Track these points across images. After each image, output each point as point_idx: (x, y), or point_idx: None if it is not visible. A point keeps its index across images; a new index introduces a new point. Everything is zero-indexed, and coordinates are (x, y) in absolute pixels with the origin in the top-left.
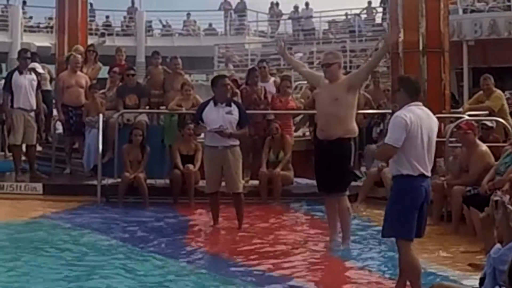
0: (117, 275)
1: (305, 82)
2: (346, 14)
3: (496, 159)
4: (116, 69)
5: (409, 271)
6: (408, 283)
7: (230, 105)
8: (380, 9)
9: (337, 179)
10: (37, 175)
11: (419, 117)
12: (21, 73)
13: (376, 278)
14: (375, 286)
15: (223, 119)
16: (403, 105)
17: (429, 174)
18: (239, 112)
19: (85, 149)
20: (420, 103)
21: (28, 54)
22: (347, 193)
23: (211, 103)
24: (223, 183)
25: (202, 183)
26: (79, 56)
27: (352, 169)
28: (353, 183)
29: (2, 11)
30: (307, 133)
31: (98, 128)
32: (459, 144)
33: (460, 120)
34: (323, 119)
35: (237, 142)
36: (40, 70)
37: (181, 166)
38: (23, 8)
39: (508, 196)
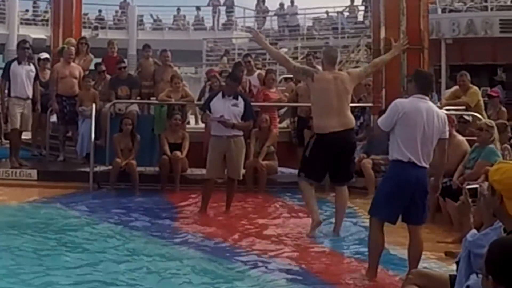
0: (112, 257)
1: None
2: (328, 12)
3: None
4: (103, 67)
5: (370, 247)
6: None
7: (237, 98)
8: (362, 7)
9: (350, 167)
10: (20, 161)
11: (418, 109)
12: (19, 63)
13: (350, 259)
14: (348, 266)
15: (228, 111)
16: (410, 95)
17: (422, 164)
18: (244, 106)
19: (78, 137)
20: (426, 97)
21: (27, 45)
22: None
23: (220, 94)
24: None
25: (189, 171)
26: (73, 48)
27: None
28: None
29: None
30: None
31: (90, 118)
32: None
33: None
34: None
35: (241, 133)
36: (47, 55)
37: (169, 153)
38: None
39: (486, 183)
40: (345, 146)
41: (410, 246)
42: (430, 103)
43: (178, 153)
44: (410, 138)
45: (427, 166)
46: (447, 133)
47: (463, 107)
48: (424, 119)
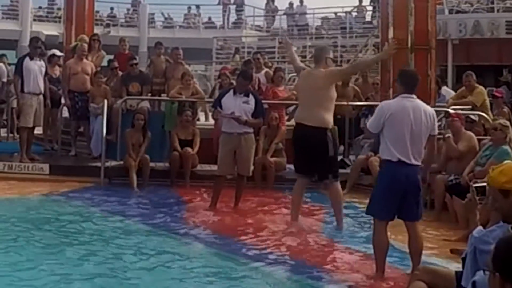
0: (121, 251)
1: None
2: (336, 13)
3: (477, 152)
4: (116, 63)
5: (375, 247)
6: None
7: (248, 96)
8: (370, 8)
9: (327, 165)
10: (32, 156)
11: (404, 107)
12: (31, 59)
13: (360, 257)
14: (361, 263)
15: (239, 108)
16: (397, 95)
17: (412, 162)
18: (255, 103)
19: (93, 135)
20: (413, 96)
21: (39, 44)
22: None
23: (231, 91)
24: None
25: (199, 167)
26: (86, 45)
27: None
28: (341, 171)
29: (12, 1)
30: None
31: (102, 114)
32: (441, 136)
33: (448, 112)
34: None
35: (251, 130)
36: (59, 53)
37: (179, 149)
38: None
39: None
40: (313, 142)
41: (410, 242)
42: (418, 101)
43: (189, 149)
44: (398, 138)
45: (418, 163)
46: (437, 129)
47: (469, 107)
48: (411, 117)
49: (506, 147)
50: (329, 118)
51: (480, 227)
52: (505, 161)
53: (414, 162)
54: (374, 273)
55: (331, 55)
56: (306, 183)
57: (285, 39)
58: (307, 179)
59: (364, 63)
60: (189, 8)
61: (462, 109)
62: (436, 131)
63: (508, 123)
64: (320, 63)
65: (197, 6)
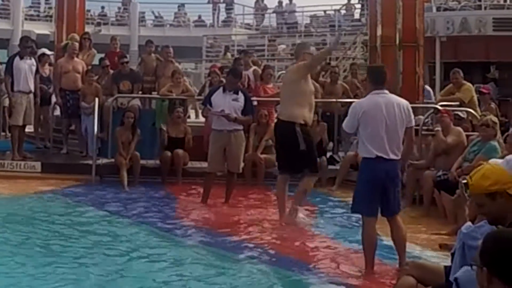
0: (113, 248)
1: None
2: (325, 11)
3: (465, 147)
4: (107, 62)
5: (364, 244)
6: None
7: (237, 93)
8: (359, 6)
9: (298, 159)
10: (24, 154)
11: (376, 104)
12: (21, 58)
13: (345, 249)
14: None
15: (228, 105)
16: (368, 93)
17: (390, 157)
18: (244, 101)
19: (88, 134)
20: (384, 91)
21: (29, 43)
22: None
23: (221, 89)
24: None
25: (190, 164)
26: (77, 44)
27: None
28: (331, 167)
29: (3, 0)
30: None
31: (93, 113)
32: (432, 133)
33: (434, 108)
34: (310, 109)
35: (241, 127)
36: (49, 52)
37: (167, 147)
38: None
39: None
40: (284, 136)
41: (393, 235)
42: (390, 95)
43: (180, 151)
44: (374, 134)
45: (397, 157)
46: (413, 121)
47: (457, 103)
48: (384, 113)
49: (495, 143)
50: (299, 112)
51: (469, 223)
52: (492, 159)
53: (392, 156)
54: (364, 268)
55: (311, 51)
56: (286, 178)
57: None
58: (287, 175)
59: (321, 54)
60: (179, 6)
61: (450, 106)
62: (413, 123)
63: (496, 119)
64: (298, 59)
65: (182, 5)
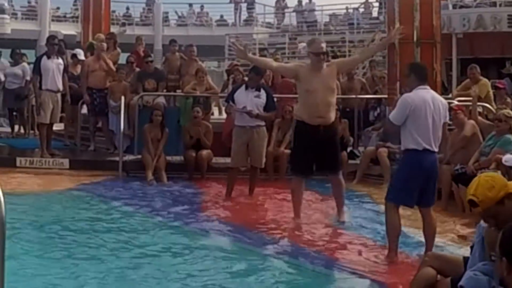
0: (139, 239)
1: None
2: (346, 8)
3: (480, 139)
4: (132, 58)
5: (388, 230)
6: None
7: (259, 90)
8: (377, 4)
9: (336, 158)
10: (52, 151)
11: (424, 99)
12: (49, 57)
13: (368, 242)
14: (370, 250)
15: (251, 102)
16: (412, 88)
17: (434, 149)
18: (266, 97)
19: (117, 133)
20: (428, 87)
21: (56, 41)
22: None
23: (243, 86)
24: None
25: (214, 160)
26: (104, 44)
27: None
28: (351, 161)
29: (30, 2)
30: None
31: (120, 111)
32: (451, 127)
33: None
34: (322, 107)
35: (263, 123)
36: (81, 57)
37: (190, 148)
38: None
39: (499, 172)
40: (327, 139)
41: (425, 227)
42: (432, 91)
43: (205, 151)
44: (423, 128)
45: (437, 150)
46: (448, 116)
47: None
48: (432, 108)
49: (509, 135)
50: (299, 109)
51: None
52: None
53: (435, 149)
54: (386, 257)
55: (313, 48)
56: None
57: (237, 47)
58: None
59: (368, 51)
60: (202, 6)
61: (466, 101)
62: (448, 118)
63: (511, 113)
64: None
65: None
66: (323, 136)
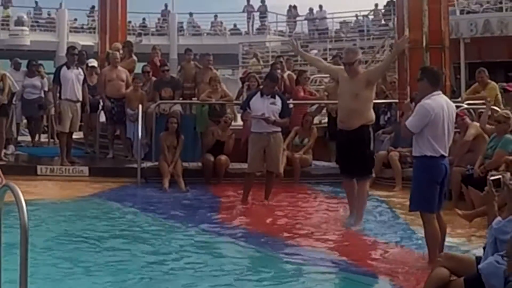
0: (157, 245)
1: (322, 75)
2: (356, 15)
3: (485, 140)
4: (148, 68)
5: (430, 240)
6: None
7: (274, 97)
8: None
9: (359, 163)
10: (72, 159)
11: (440, 105)
12: (68, 67)
13: (386, 246)
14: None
15: (267, 109)
16: (426, 94)
17: (446, 153)
18: (282, 104)
19: (134, 140)
20: (440, 92)
21: (76, 51)
22: (371, 176)
23: (258, 94)
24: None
25: (230, 165)
26: (118, 53)
27: (372, 153)
28: None
29: (49, 14)
30: (323, 121)
31: (137, 119)
32: (457, 130)
33: (459, 109)
34: (344, 112)
35: (279, 129)
36: (94, 63)
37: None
38: None
39: (509, 174)
40: (350, 143)
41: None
42: (444, 96)
43: (223, 157)
44: (441, 135)
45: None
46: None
47: (483, 101)
48: (446, 113)
49: (509, 135)
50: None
51: (499, 218)
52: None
53: (447, 153)
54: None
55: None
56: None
57: (293, 43)
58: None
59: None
60: (216, 16)
61: (475, 104)
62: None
63: (510, 114)
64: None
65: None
66: (346, 140)
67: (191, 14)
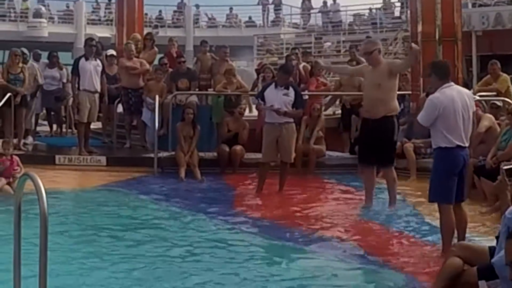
0: (173, 234)
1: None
2: (369, 8)
3: (497, 132)
4: (165, 60)
5: (444, 230)
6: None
7: (288, 88)
8: (398, 4)
9: (383, 152)
10: (90, 149)
11: (450, 97)
12: (86, 59)
13: (399, 237)
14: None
15: (279, 100)
16: (436, 87)
17: (466, 144)
18: (295, 95)
19: (150, 130)
20: (451, 83)
21: (94, 43)
22: (394, 164)
23: (273, 85)
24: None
25: (245, 155)
26: (133, 45)
27: (395, 143)
28: None
29: (67, 6)
30: (337, 112)
31: (154, 109)
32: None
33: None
34: (368, 102)
35: (292, 120)
36: (114, 53)
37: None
38: None
39: None
40: (374, 133)
41: (457, 221)
42: (456, 86)
43: (239, 147)
44: (454, 126)
45: (468, 144)
46: (474, 107)
47: (494, 93)
48: (460, 104)
49: None
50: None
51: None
52: None
53: (467, 144)
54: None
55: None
56: (370, 172)
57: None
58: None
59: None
60: (231, 8)
61: (487, 96)
62: (474, 109)
63: None
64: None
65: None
66: (372, 129)
67: (197, 6)
